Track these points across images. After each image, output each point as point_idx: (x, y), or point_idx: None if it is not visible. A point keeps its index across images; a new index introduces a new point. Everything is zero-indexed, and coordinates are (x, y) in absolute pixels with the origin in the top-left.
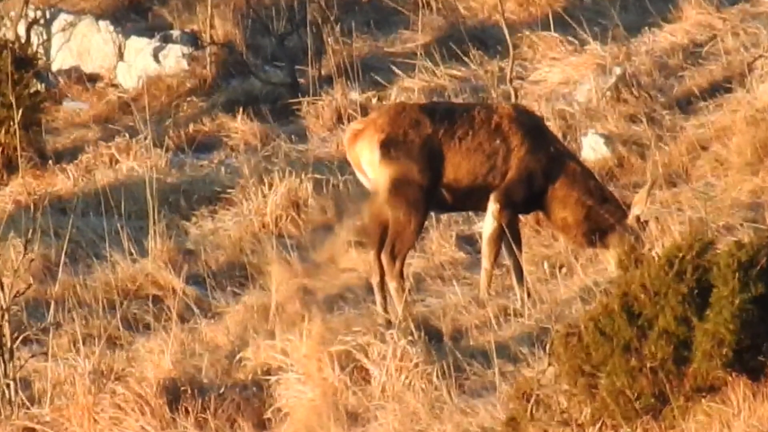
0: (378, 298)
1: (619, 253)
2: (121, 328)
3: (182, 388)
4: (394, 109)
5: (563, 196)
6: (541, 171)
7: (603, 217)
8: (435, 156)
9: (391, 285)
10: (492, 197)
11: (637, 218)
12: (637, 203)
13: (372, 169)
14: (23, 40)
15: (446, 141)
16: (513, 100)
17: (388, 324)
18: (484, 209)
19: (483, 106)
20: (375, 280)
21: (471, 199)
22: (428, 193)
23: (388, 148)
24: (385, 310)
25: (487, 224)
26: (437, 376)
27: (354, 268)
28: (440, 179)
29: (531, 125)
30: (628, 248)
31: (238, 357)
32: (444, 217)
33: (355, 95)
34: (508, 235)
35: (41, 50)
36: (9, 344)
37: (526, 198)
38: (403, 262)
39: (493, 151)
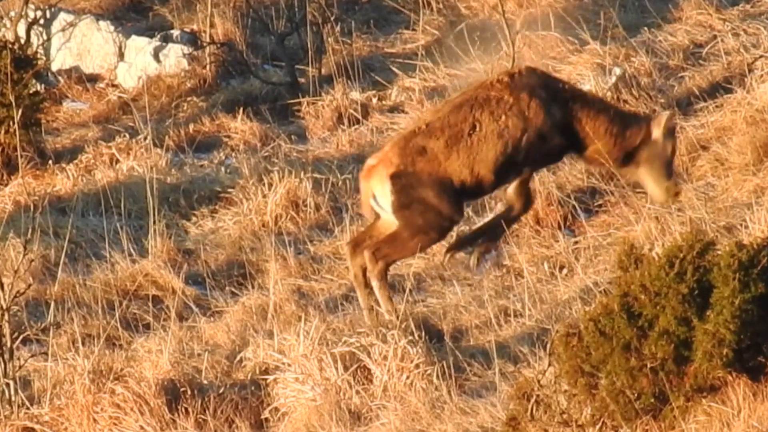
0: (362, 301)
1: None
2: (120, 328)
3: (181, 389)
4: (402, 139)
5: (590, 131)
6: (560, 122)
7: (630, 140)
8: (449, 175)
9: (374, 284)
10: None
11: (661, 137)
12: (657, 126)
13: (386, 200)
14: (23, 40)
15: (455, 151)
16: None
17: (369, 310)
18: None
19: (479, 95)
20: (356, 282)
21: (510, 176)
22: (444, 214)
23: (399, 178)
24: (369, 308)
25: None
26: (438, 376)
27: None
28: (464, 188)
29: (531, 87)
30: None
31: (237, 357)
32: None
33: (355, 95)
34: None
35: (41, 50)
36: (9, 344)
37: (559, 147)
38: (387, 266)
39: (507, 131)
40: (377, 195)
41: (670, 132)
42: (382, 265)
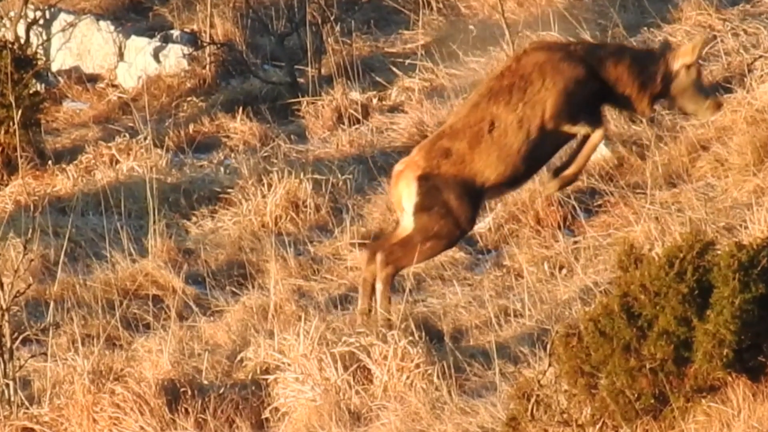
0: (362, 298)
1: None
2: (120, 328)
3: (182, 389)
4: (428, 143)
5: (615, 80)
6: (583, 81)
7: (653, 77)
8: (475, 175)
9: (378, 286)
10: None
11: (687, 66)
12: (684, 55)
13: (410, 202)
14: (23, 40)
15: (479, 150)
16: None
17: (365, 314)
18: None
19: (493, 87)
20: (362, 283)
21: (552, 147)
22: (460, 222)
23: (425, 181)
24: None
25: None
26: (438, 376)
27: (357, 267)
28: (494, 185)
29: (539, 64)
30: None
31: (237, 357)
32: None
33: (355, 95)
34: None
35: (41, 50)
36: (9, 344)
37: (590, 101)
38: (395, 272)
39: (526, 118)
40: (403, 197)
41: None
42: (390, 270)
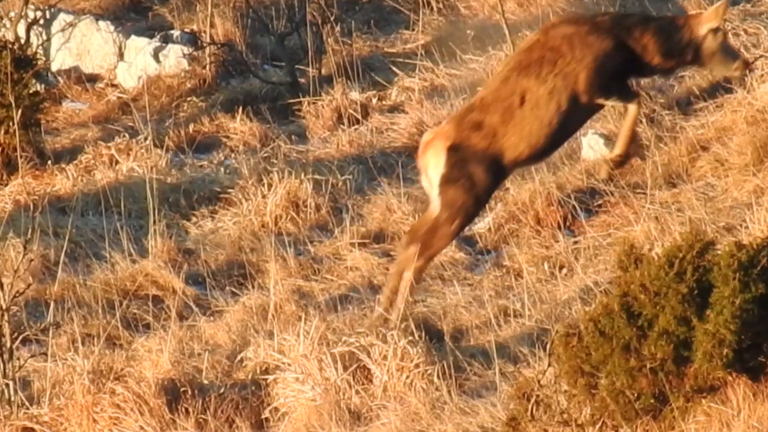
0: (386, 290)
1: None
2: (120, 328)
3: (182, 389)
4: (459, 115)
5: (642, 50)
6: (610, 52)
7: (678, 43)
8: (505, 150)
9: (406, 275)
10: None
11: (713, 30)
12: (708, 20)
13: (437, 172)
14: (23, 40)
15: (511, 125)
16: None
17: (385, 321)
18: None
19: (522, 61)
20: (393, 269)
21: (582, 118)
22: (481, 197)
23: (455, 152)
24: (389, 305)
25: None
26: (438, 376)
27: (357, 267)
28: (524, 158)
29: (567, 36)
30: None
31: (237, 357)
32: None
33: (355, 95)
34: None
35: (41, 50)
36: (8, 344)
37: (619, 72)
38: (429, 261)
39: (557, 90)
40: (430, 167)
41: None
42: (422, 263)
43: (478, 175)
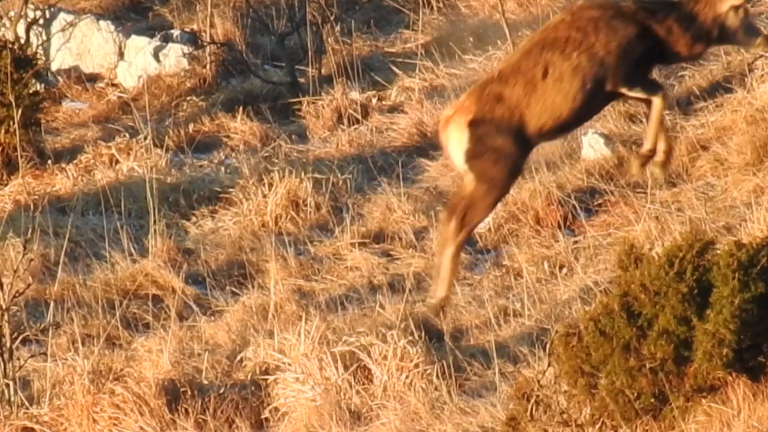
0: (436, 274)
1: None
2: (120, 328)
3: (181, 389)
4: (478, 88)
5: (666, 34)
6: (634, 37)
7: (705, 26)
8: (528, 121)
9: (449, 250)
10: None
11: (734, 8)
12: (721, 0)
13: (460, 149)
14: (23, 40)
15: (534, 96)
16: None
17: (443, 305)
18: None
19: (547, 37)
20: (437, 249)
21: (607, 98)
22: (513, 166)
23: (477, 126)
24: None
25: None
26: (438, 376)
27: (357, 267)
28: (545, 131)
29: (593, 18)
30: None
31: (237, 357)
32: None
33: (355, 95)
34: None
35: (41, 50)
36: (8, 344)
37: (646, 58)
38: (469, 233)
39: (581, 67)
40: (452, 143)
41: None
42: (464, 235)
43: (503, 146)
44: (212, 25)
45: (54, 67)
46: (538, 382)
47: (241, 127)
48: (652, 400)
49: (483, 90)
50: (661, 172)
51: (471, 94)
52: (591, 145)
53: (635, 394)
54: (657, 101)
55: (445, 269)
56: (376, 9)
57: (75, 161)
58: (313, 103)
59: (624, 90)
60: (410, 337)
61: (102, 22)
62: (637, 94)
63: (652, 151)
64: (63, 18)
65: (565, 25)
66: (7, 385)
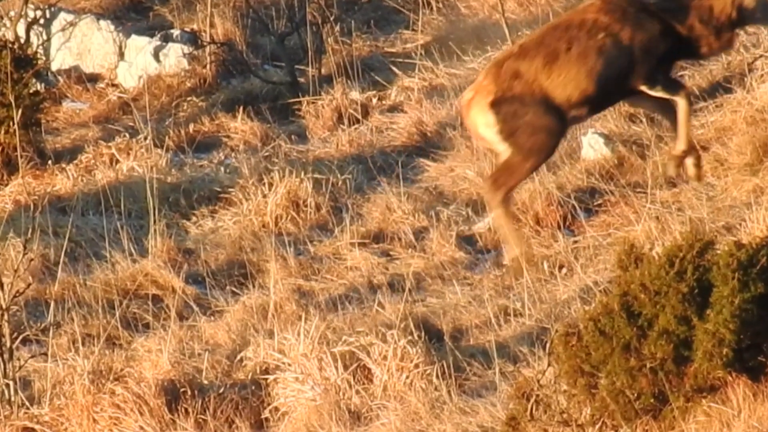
0: (504, 238)
1: None
2: (120, 328)
3: (181, 389)
4: (494, 66)
5: (689, 28)
6: (659, 32)
7: (724, 16)
8: (551, 93)
9: (496, 212)
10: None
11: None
12: None
13: (491, 131)
14: (23, 40)
15: (556, 68)
16: None
17: (521, 266)
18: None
19: (574, 18)
20: (492, 215)
21: (619, 95)
22: (552, 131)
23: (500, 105)
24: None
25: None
26: (437, 376)
27: (357, 267)
28: (570, 103)
29: (622, 8)
30: None
31: (237, 356)
32: (444, 216)
33: (355, 95)
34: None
35: (41, 50)
36: (8, 344)
37: (669, 56)
38: (507, 192)
39: (605, 48)
40: (480, 126)
41: None
42: (501, 194)
43: (535, 118)
44: (212, 25)
45: (54, 67)
46: (538, 381)
47: (241, 127)
48: (652, 400)
49: (500, 67)
50: (697, 172)
51: (489, 72)
52: (591, 145)
53: (635, 394)
54: (682, 102)
55: (504, 231)
56: (376, 9)
57: (75, 161)
58: (313, 103)
59: (644, 89)
60: (410, 337)
61: (102, 22)
62: (658, 93)
63: (686, 152)
64: (63, 18)
65: (594, 8)
66: (8, 385)
